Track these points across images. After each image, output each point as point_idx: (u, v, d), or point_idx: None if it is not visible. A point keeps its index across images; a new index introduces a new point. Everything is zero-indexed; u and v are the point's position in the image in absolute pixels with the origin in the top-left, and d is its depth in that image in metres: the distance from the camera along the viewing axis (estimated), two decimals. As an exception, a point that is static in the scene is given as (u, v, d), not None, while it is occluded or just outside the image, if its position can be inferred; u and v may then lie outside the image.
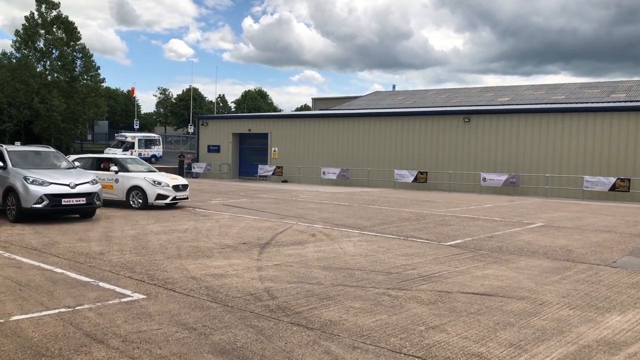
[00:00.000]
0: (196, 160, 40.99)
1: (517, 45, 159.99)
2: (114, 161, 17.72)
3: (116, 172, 17.10)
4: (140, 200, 16.63)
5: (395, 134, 32.78)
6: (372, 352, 4.99)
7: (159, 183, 16.75)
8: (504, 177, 28.00)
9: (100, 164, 17.99)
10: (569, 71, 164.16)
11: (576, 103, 36.45)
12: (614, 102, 36.15)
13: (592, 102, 36.21)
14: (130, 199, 16.85)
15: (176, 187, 17.11)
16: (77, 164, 16.40)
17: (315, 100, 67.87)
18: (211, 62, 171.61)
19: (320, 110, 52.26)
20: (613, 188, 25.12)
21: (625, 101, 36.02)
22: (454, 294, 7.21)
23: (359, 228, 13.65)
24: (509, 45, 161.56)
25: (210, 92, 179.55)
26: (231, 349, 5.00)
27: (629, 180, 24.95)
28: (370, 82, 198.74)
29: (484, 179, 28.54)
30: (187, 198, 17.75)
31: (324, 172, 33.87)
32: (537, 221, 15.96)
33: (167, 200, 16.83)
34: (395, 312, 6.31)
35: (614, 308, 6.75)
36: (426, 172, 30.61)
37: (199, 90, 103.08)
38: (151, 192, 16.62)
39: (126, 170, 17.36)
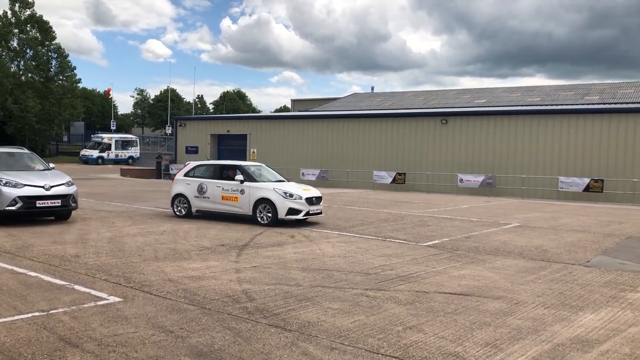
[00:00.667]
0: (174, 161, 40.64)
1: (493, 48, 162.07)
2: (240, 169, 14.99)
3: (241, 182, 14.50)
4: (270, 215, 14.04)
5: (374, 135, 32.93)
6: (350, 352, 5.01)
7: (291, 195, 14.08)
8: (480, 178, 28.31)
9: (223, 172, 15.38)
10: (544, 74, 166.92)
11: (551, 105, 37.03)
12: (588, 104, 36.83)
13: (566, 104, 36.82)
14: (258, 213, 14.25)
15: (309, 200, 14.37)
16: (190, 167, 15.93)
17: (294, 101, 67.90)
18: (189, 63, 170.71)
19: (299, 111, 52.28)
20: (587, 189, 25.58)
21: (598, 103, 36.71)
22: (432, 294, 7.27)
23: (337, 229, 13.68)
24: (485, 48, 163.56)
25: (188, 93, 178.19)
26: (208, 351, 4.97)
27: (602, 180, 25.42)
28: (348, 84, 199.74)
29: (461, 180, 28.82)
30: (321, 213, 14.96)
31: (303, 173, 33.86)
32: (513, 221, 16.18)
33: (300, 216, 14.15)
34: (373, 312, 6.34)
35: (587, 307, 6.87)
36: (404, 173, 30.79)
37: (177, 91, 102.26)
38: (282, 205, 13.93)
39: (253, 179, 14.71)
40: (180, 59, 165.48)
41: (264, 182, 14.81)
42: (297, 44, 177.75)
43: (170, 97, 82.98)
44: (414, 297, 7.11)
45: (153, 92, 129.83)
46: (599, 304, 7.00)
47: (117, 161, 53.49)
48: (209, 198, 14.99)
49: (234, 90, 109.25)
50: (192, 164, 16.31)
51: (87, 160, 53.34)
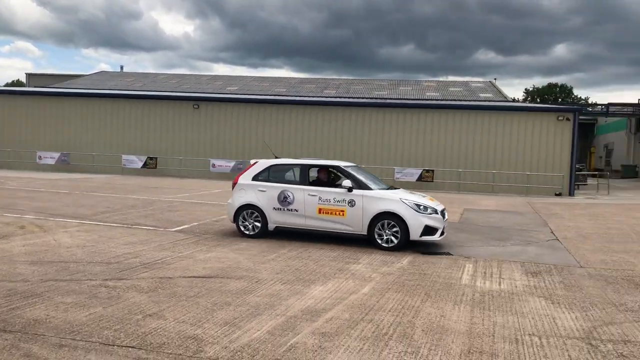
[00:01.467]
0: None
1: (245, 37, 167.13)
2: (343, 172, 10.93)
3: (349, 190, 10.41)
4: (397, 235, 10.12)
5: (122, 117, 31.20)
6: (82, 348, 4.69)
7: (425, 208, 10.24)
8: (232, 164, 29.07)
9: (312, 174, 11.14)
10: (291, 66, 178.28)
11: (295, 96, 39.77)
12: (326, 97, 40.53)
13: (308, 97, 39.95)
14: (377, 233, 10.27)
15: (443, 214, 10.61)
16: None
17: (30, 75, 60.36)
18: None
19: (36, 87, 46.65)
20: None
21: (334, 97, 40.69)
22: (175, 279, 7.23)
23: (78, 217, 12.66)
24: (237, 37, 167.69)
25: None
26: None
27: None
28: (96, 61, 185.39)
29: (214, 165, 29.21)
30: (444, 233, 10.63)
31: (40, 157, 30.48)
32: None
33: (436, 237, 10.27)
34: (111, 303, 6.04)
35: (318, 280, 7.61)
36: (156, 158, 29.94)
37: None
38: (416, 223, 10.06)
39: (365, 186, 10.59)
40: None
41: (379, 189, 10.75)
42: (33, 12, 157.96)
43: None
44: (157, 283, 6.99)
45: None
46: (327, 277, 7.81)
47: None
48: (297, 211, 10.78)
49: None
50: (263, 162, 11.47)
51: None
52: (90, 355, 4.55)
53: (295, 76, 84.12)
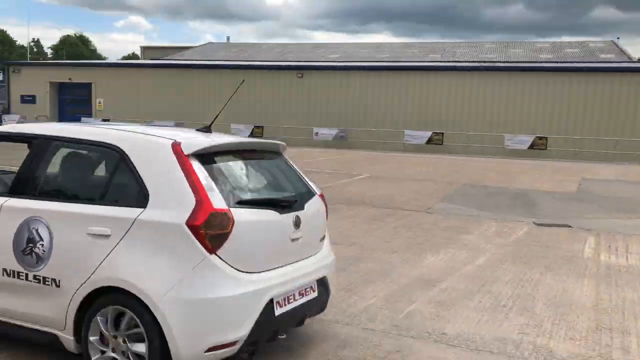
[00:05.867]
0: (7, 111, 36.54)
1: (343, 3, 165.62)
2: None
3: None
4: None
5: (229, 87, 32.33)
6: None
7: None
8: (334, 132, 29.31)
9: None
10: (391, 31, 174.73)
11: (399, 62, 39.05)
12: (431, 62, 39.40)
13: (412, 62, 39.06)
14: None
15: None
16: None
17: (144, 48, 63.99)
18: (19, 2, 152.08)
19: (150, 60, 49.49)
20: (429, 141, 27.77)
21: (440, 61, 39.44)
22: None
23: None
24: (335, 2, 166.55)
25: (21, 36, 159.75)
26: None
27: (442, 134, 27.68)
28: (202, 33, 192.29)
29: (317, 134, 29.62)
30: None
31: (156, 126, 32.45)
32: (363, 173, 17.05)
33: None
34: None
35: (429, 249, 7.53)
36: (262, 127, 30.85)
37: (7, 33, 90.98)
38: None
39: None
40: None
41: None
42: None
43: (-2, 39, 73.78)
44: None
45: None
46: (439, 246, 7.71)
47: None
48: None
49: (75, 35, 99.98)
50: None
51: None
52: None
53: (396, 41, 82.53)
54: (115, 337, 3.43)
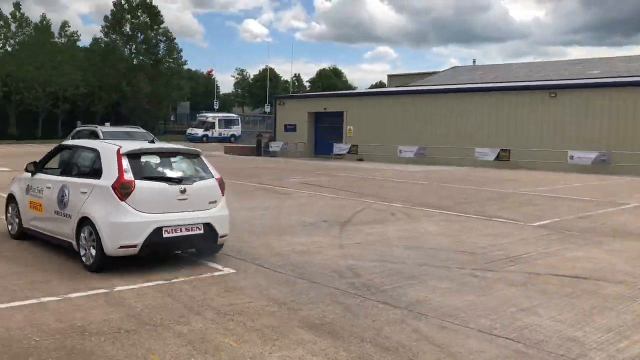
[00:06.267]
0: (273, 139, 41.69)
1: (604, 14, 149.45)
2: None
3: None
4: None
5: (476, 110, 31.78)
6: (462, 332, 4.93)
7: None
8: (593, 155, 26.52)
9: None
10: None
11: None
12: None
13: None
14: None
15: None
16: None
17: (390, 77, 67.00)
18: (285, 42, 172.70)
19: (395, 87, 51.53)
20: None
21: None
22: (544, 276, 6.97)
23: (439, 207, 13.43)
24: (594, 14, 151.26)
25: (285, 72, 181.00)
26: (320, 324, 5.10)
27: None
28: (445, 57, 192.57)
29: (572, 157, 27.17)
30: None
31: (400, 150, 33.46)
32: (631, 202, 15.06)
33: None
34: (483, 293, 6.19)
35: None
36: (509, 150, 29.51)
37: (275, 70, 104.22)
38: None
39: None
40: (277, 38, 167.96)
41: None
42: (391, 18, 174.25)
43: (268, 76, 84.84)
44: (526, 278, 6.85)
45: (252, 72, 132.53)
46: None
47: (220, 139, 55.71)
48: None
49: (329, 68, 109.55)
50: None
51: (192, 139, 55.97)
52: (471, 341, 4.75)
53: (672, 51, 71.47)
54: (87, 240, 6.79)
